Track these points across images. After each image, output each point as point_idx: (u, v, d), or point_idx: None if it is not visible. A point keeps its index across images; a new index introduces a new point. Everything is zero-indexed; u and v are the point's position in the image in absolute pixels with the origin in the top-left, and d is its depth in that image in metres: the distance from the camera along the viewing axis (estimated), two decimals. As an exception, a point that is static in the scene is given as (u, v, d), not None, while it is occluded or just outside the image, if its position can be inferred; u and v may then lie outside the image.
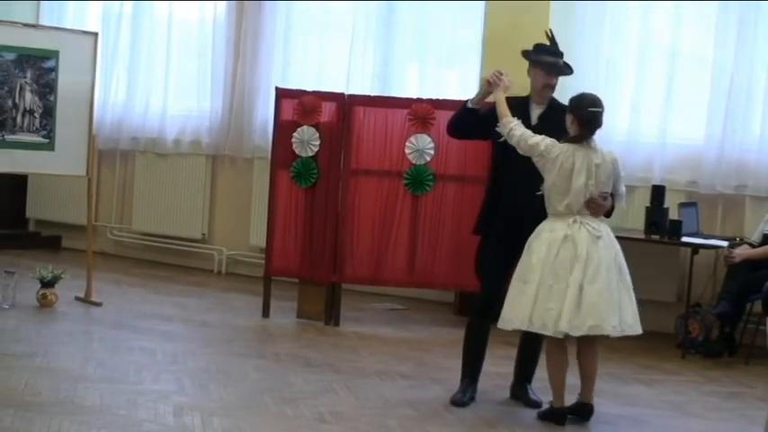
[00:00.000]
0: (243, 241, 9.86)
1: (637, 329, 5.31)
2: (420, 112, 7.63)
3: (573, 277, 5.15)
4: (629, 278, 5.32)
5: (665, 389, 6.34)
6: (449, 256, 7.65)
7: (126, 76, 10.54)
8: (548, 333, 5.20)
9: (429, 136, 7.63)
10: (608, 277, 5.20)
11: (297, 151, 7.72)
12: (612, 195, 5.38)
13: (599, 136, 5.36)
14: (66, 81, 7.88)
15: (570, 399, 5.41)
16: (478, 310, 5.69)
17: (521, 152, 5.33)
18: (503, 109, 5.41)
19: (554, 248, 5.19)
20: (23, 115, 7.80)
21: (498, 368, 6.13)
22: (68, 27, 9.62)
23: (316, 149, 7.70)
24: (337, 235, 7.69)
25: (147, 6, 10.46)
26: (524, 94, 5.70)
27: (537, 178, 5.35)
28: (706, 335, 7.32)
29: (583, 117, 5.28)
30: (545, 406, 5.50)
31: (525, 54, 5.68)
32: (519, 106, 5.52)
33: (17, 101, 7.78)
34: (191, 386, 5.66)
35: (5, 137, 7.75)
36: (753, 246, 7.31)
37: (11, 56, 7.74)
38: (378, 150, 7.72)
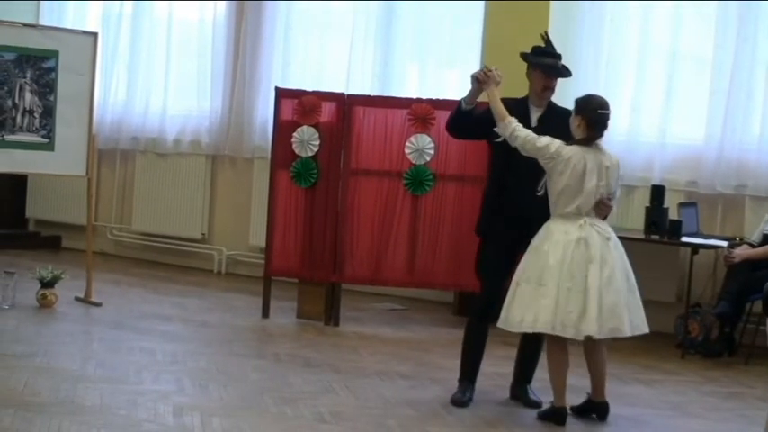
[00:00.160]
0: (242, 241, 9.86)
1: (644, 329, 5.35)
2: (420, 112, 7.63)
3: (591, 279, 5.15)
4: (633, 278, 5.35)
5: (664, 389, 6.35)
6: (448, 256, 7.65)
7: (126, 76, 10.55)
8: (569, 336, 5.19)
9: (429, 136, 7.63)
10: (620, 278, 5.25)
11: (297, 151, 7.72)
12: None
13: (598, 136, 5.38)
14: (65, 81, 7.88)
15: (570, 399, 5.42)
16: (478, 310, 5.69)
17: (524, 153, 5.30)
18: (499, 108, 5.36)
19: (569, 250, 5.19)
20: (23, 115, 7.80)
21: (498, 368, 6.13)
22: (68, 27, 9.63)
23: (315, 149, 7.70)
24: (337, 235, 7.69)
25: (146, 6, 10.46)
26: (520, 95, 5.68)
27: (539, 179, 5.35)
28: (706, 335, 7.32)
29: (592, 119, 5.28)
30: (545, 406, 5.50)
31: (524, 56, 5.67)
32: (518, 108, 5.51)
33: (17, 101, 7.78)
34: (190, 386, 5.66)
35: (5, 137, 7.75)
36: (752, 246, 7.31)
37: (11, 56, 7.74)
38: (378, 150, 7.72)
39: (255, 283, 8.57)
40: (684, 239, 7.36)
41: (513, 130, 5.30)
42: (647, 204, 7.65)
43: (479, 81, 5.48)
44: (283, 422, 5.12)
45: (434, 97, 7.83)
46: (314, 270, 7.77)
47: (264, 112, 9.47)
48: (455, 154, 7.64)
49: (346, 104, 7.72)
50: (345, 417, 5.25)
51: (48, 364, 5.99)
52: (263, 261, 8.12)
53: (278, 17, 9.71)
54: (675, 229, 7.36)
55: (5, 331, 6.77)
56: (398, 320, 8.15)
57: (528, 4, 8.20)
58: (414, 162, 7.64)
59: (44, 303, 7.60)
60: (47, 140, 7.88)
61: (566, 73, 5.68)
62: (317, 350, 6.81)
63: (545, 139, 5.26)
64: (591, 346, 5.40)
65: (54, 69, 7.86)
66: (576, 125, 5.31)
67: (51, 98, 7.88)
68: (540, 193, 5.34)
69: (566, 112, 5.61)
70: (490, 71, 5.46)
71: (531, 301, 5.21)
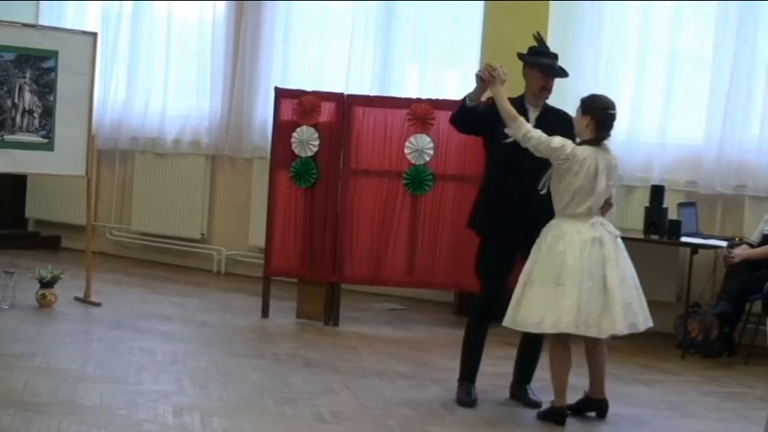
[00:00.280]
0: (242, 241, 9.86)
1: (650, 323, 5.41)
2: (419, 112, 7.63)
3: (610, 279, 5.18)
4: (635, 275, 5.39)
5: (664, 389, 6.34)
6: (448, 256, 7.65)
7: (125, 76, 10.55)
8: (591, 335, 5.21)
9: (428, 136, 7.63)
10: (630, 275, 5.31)
11: (296, 151, 7.72)
12: None
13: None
14: (65, 81, 7.88)
15: (569, 398, 5.41)
16: (479, 310, 5.68)
17: (537, 154, 5.27)
18: (509, 108, 5.31)
19: (585, 250, 5.20)
20: (23, 115, 7.80)
21: (498, 368, 6.13)
22: (68, 27, 9.62)
23: (315, 149, 7.70)
24: (337, 235, 7.69)
25: (146, 6, 10.46)
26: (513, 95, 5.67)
27: (540, 178, 5.35)
28: (705, 335, 7.32)
29: (601, 119, 5.28)
30: (545, 406, 5.51)
31: (522, 56, 5.66)
32: (517, 107, 5.50)
33: (16, 101, 7.78)
34: (190, 386, 5.66)
35: (5, 137, 7.75)
36: (752, 246, 7.31)
37: (10, 56, 7.74)
38: (377, 150, 7.72)
39: (255, 283, 8.57)
40: (684, 239, 7.36)
41: (527, 131, 5.26)
42: (647, 204, 7.65)
43: (484, 80, 5.44)
44: (283, 422, 5.12)
45: (434, 97, 7.83)
46: (313, 270, 7.76)
47: (264, 112, 9.46)
48: (454, 154, 7.64)
49: (346, 104, 7.72)
50: (345, 417, 5.25)
51: (47, 364, 5.99)
52: (262, 261, 8.11)
53: (277, 17, 9.71)
54: (675, 229, 7.36)
55: (5, 331, 6.77)
56: (398, 320, 8.15)
57: (527, 4, 8.20)
58: (413, 162, 7.64)
59: (44, 303, 7.60)
60: (46, 140, 7.88)
61: (563, 73, 5.67)
62: (316, 350, 6.81)
63: (558, 140, 5.25)
64: (592, 346, 5.41)
65: (53, 69, 7.86)
66: (584, 125, 5.30)
67: (51, 98, 7.88)
68: (542, 192, 5.33)
69: (560, 112, 5.62)
70: (495, 69, 5.41)
71: (551, 302, 5.17)
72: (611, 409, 5.53)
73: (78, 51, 7.96)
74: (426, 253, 7.71)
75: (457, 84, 9.10)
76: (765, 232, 7.32)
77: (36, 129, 7.85)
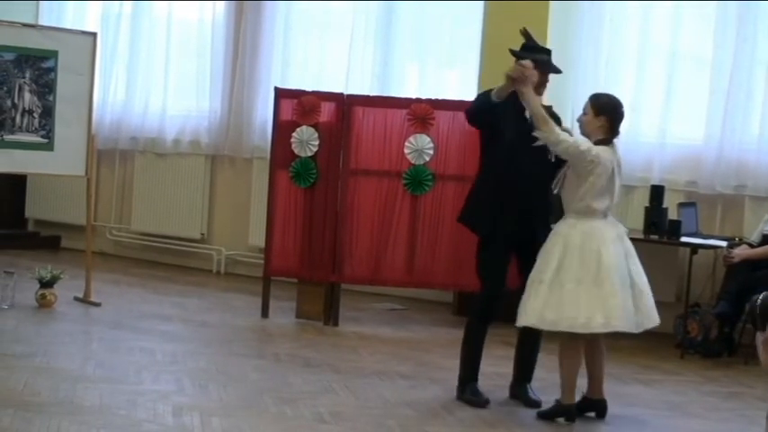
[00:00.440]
0: (242, 241, 9.86)
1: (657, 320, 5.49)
2: (419, 112, 7.63)
3: (635, 274, 5.27)
4: None
5: (664, 389, 6.34)
6: (448, 256, 7.65)
7: (125, 76, 10.55)
8: (632, 331, 5.26)
9: (428, 136, 7.63)
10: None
11: (296, 151, 7.72)
12: None
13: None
14: (65, 81, 7.88)
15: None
16: (479, 311, 5.67)
17: (564, 157, 5.26)
18: (541, 112, 5.25)
19: (615, 248, 5.27)
20: (22, 115, 7.80)
21: (498, 368, 6.12)
22: (67, 27, 9.62)
23: (315, 149, 7.70)
24: (336, 235, 7.68)
25: (146, 6, 10.46)
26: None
27: (540, 178, 5.40)
28: (705, 335, 7.32)
29: (615, 119, 5.32)
30: (545, 406, 5.51)
31: (517, 53, 5.62)
32: (515, 103, 5.49)
33: (16, 101, 7.78)
34: (190, 386, 5.66)
35: (4, 137, 7.75)
36: (752, 246, 7.31)
37: (10, 56, 7.74)
38: (377, 150, 7.72)
39: (255, 283, 8.57)
40: (684, 239, 7.35)
41: (558, 135, 5.24)
42: (647, 204, 7.65)
43: (515, 80, 5.35)
44: (283, 422, 5.12)
45: (434, 97, 7.83)
46: (313, 270, 7.76)
47: (264, 112, 9.46)
48: (454, 154, 7.64)
49: (346, 104, 7.71)
50: (345, 417, 5.25)
51: (47, 364, 5.98)
52: (262, 261, 8.11)
53: (277, 17, 9.70)
54: (675, 229, 7.36)
55: (5, 331, 6.77)
56: (398, 320, 8.15)
57: (527, 4, 8.20)
58: (413, 162, 7.64)
59: (43, 303, 7.59)
60: (46, 140, 7.88)
61: (557, 69, 5.67)
62: (316, 350, 6.80)
63: (584, 143, 5.26)
64: (593, 345, 5.42)
65: (53, 69, 7.86)
66: (597, 125, 5.31)
67: (51, 98, 7.87)
68: (555, 192, 5.33)
69: (550, 110, 5.63)
70: (527, 69, 5.32)
71: (596, 301, 5.18)
72: (611, 410, 5.52)
73: (78, 51, 7.96)
74: (426, 253, 7.71)
75: (457, 84, 9.12)
76: (765, 232, 7.32)
77: (36, 129, 7.85)
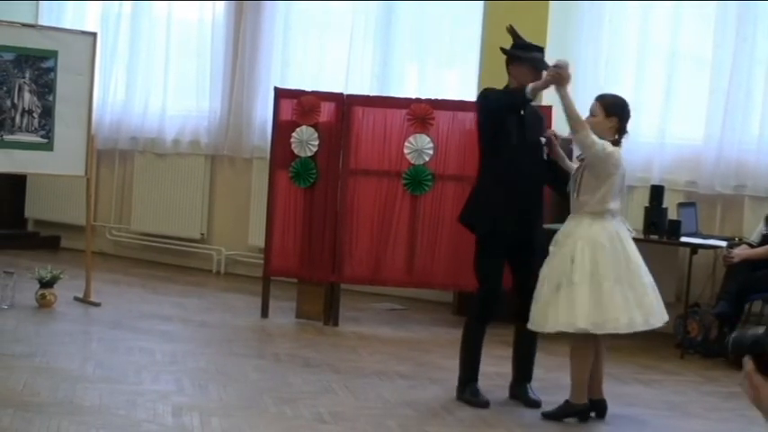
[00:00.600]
0: (242, 241, 9.86)
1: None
2: (419, 112, 7.63)
3: (645, 272, 5.32)
4: None
5: (664, 389, 6.34)
6: (448, 256, 7.65)
7: (125, 77, 10.54)
8: (650, 327, 5.32)
9: (428, 136, 7.63)
10: None
11: (296, 151, 7.72)
12: None
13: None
14: (64, 81, 7.88)
15: (564, 397, 5.44)
16: (478, 311, 5.67)
17: (593, 160, 5.24)
18: (578, 114, 5.21)
19: (631, 245, 5.33)
20: (22, 115, 7.80)
21: (498, 368, 6.12)
22: (67, 27, 9.61)
23: (314, 149, 7.70)
24: (336, 235, 7.68)
25: (146, 6, 10.46)
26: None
27: (541, 179, 5.48)
28: (705, 335, 7.32)
29: (625, 117, 5.38)
30: (545, 406, 5.51)
31: (511, 52, 5.61)
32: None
33: (16, 101, 7.78)
34: (190, 386, 5.66)
35: (4, 137, 7.75)
36: (752, 246, 7.31)
37: (10, 56, 7.74)
38: (377, 150, 7.72)
39: (254, 283, 8.57)
40: (683, 239, 7.35)
41: (594, 137, 5.23)
42: (647, 204, 7.64)
43: (555, 79, 5.27)
44: (283, 422, 5.12)
45: (433, 97, 7.83)
46: (313, 270, 7.76)
47: (263, 112, 9.46)
48: (454, 154, 7.64)
49: (345, 104, 7.71)
50: (345, 417, 5.25)
51: (47, 364, 5.98)
52: (262, 261, 8.11)
53: (277, 17, 9.70)
54: (674, 229, 7.36)
55: (4, 331, 6.77)
56: (398, 320, 8.15)
57: (527, 4, 8.19)
58: (413, 162, 7.64)
59: (43, 303, 7.59)
60: (46, 140, 7.88)
61: (549, 66, 5.67)
62: (316, 350, 6.80)
63: (607, 144, 5.28)
64: (596, 344, 5.42)
65: (53, 69, 7.86)
66: (609, 126, 5.33)
67: (50, 98, 7.87)
68: (573, 194, 5.33)
69: (537, 109, 5.66)
70: (565, 69, 5.25)
71: (632, 300, 5.22)
72: (611, 410, 5.52)
73: (78, 51, 7.96)
74: (426, 253, 7.71)
75: (456, 84, 9.11)
76: (765, 232, 7.32)
77: (35, 129, 7.84)
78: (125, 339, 6.77)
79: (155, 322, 7.40)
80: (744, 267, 7.19)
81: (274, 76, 9.51)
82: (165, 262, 10.23)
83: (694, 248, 7.24)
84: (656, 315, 5.31)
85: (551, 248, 5.38)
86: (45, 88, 7.86)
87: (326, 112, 7.72)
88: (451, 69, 9.32)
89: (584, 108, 5.42)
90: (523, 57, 5.57)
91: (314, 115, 7.70)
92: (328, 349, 6.87)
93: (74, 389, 5.42)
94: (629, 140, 8.02)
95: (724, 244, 7.40)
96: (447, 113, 7.65)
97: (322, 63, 9.63)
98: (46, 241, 10.93)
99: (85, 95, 7.99)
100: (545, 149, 5.59)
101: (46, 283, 7.64)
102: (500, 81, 5.73)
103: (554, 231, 5.50)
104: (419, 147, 7.62)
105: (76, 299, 7.94)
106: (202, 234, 10.16)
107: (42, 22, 10.62)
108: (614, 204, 5.32)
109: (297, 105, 7.73)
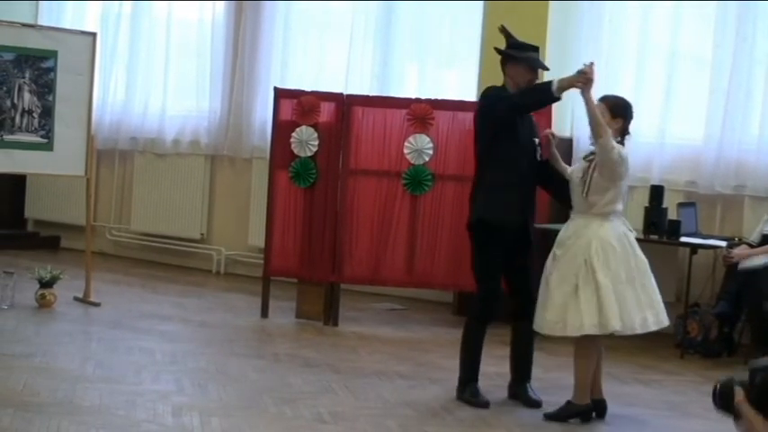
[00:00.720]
0: (242, 241, 9.86)
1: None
2: (419, 112, 7.63)
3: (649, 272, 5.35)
4: None
5: (664, 389, 6.34)
6: (448, 256, 7.65)
7: (125, 77, 10.55)
8: (660, 326, 5.36)
9: (428, 136, 7.62)
10: None
11: (295, 151, 7.72)
12: None
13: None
14: (64, 81, 7.88)
15: (564, 396, 5.45)
16: (478, 312, 5.66)
17: (608, 163, 5.26)
18: (600, 118, 5.22)
19: (637, 245, 5.36)
20: (22, 115, 7.80)
21: (498, 368, 6.12)
22: (67, 27, 9.62)
23: (314, 149, 7.70)
24: (336, 235, 7.68)
25: (145, 6, 10.46)
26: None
27: (534, 180, 5.52)
28: (705, 335, 7.32)
29: (629, 118, 5.42)
30: (545, 406, 5.50)
31: (507, 53, 5.60)
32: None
33: (16, 101, 7.78)
34: (190, 386, 5.66)
35: (4, 137, 7.75)
36: (751, 246, 7.30)
37: (9, 56, 7.74)
38: (376, 150, 7.72)
39: (254, 283, 8.57)
40: (683, 239, 7.35)
41: (613, 141, 5.27)
42: (646, 204, 7.64)
43: (584, 83, 5.25)
44: (283, 422, 5.12)
45: (433, 97, 7.83)
46: (313, 270, 7.76)
47: (263, 112, 9.46)
48: (454, 154, 7.64)
49: (345, 104, 7.71)
50: (344, 417, 5.25)
51: (47, 364, 5.98)
52: (262, 261, 8.11)
53: (277, 17, 9.70)
54: (674, 229, 7.36)
55: (4, 331, 6.77)
56: (398, 320, 8.14)
57: (527, 4, 8.20)
58: (412, 162, 7.64)
59: (43, 303, 7.59)
60: (46, 140, 7.88)
61: (545, 66, 5.68)
62: (316, 350, 6.80)
63: (622, 149, 5.33)
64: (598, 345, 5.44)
65: (53, 69, 7.86)
66: (615, 127, 5.35)
67: (50, 98, 7.87)
68: (585, 196, 5.32)
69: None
70: (591, 72, 5.23)
71: (644, 301, 5.26)
72: (611, 410, 5.53)
73: (78, 51, 7.96)
74: (426, 253, 7.71)
75: (456, 84, 9.11)
76: (765, 232, 7.32)
77: (35, 129, 7.84)
78: (125, 339, 6.77)
79: (155, 322, 7.40)
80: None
81: (274, 77, 9.51)
82: (165, 262, 10.23)
83: (694, 248, 7.24)
84: (664, 314, 5.35)
85: (556, 251, 5.35)
86: (45, 88, 7.86)
87: (326, 112, 7.72)
88: (451, 69, 9.32)
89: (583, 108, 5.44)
90: (519, 57, 5.57)
91: (314, 115, 7.70)
92: (328, 349, 6.86)
93: (74, 389, 5.42)
94: (629, 140, 8.11)
95: (724, 244, 7.40)
96: (447, 113, 7.65)
97: (322, 63, 9.63)
98: (46, 241, 10.93)
99: (85, 95, 7.99)
100: (539, 150, 5.59)
101: (46, 284, 7.64)
102: (500, 81, 5.73)
103: (549, 231, 5.50)
104: (419, 147, 7.62)
105: (76, 299, 7.93)
106: (202, 234, 10.16)
107: (42, 22, 10.62)
108: (620, 205, 5.37)
109: (297, 105, 7.73)
